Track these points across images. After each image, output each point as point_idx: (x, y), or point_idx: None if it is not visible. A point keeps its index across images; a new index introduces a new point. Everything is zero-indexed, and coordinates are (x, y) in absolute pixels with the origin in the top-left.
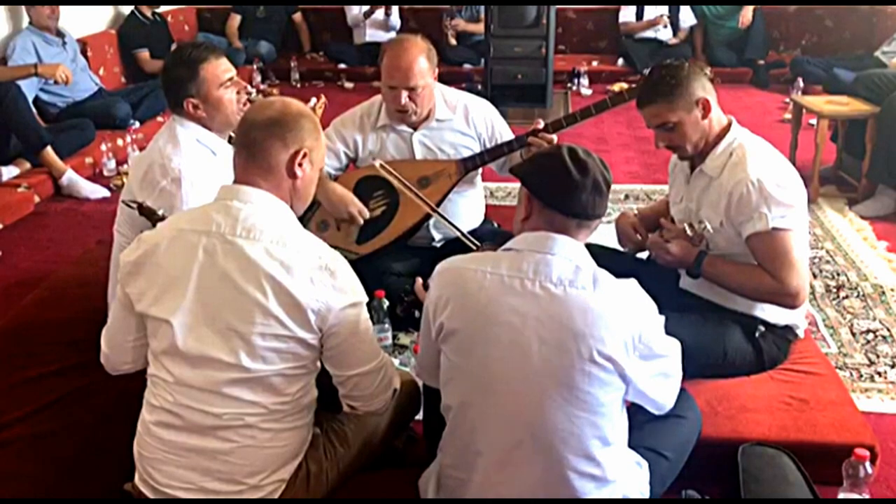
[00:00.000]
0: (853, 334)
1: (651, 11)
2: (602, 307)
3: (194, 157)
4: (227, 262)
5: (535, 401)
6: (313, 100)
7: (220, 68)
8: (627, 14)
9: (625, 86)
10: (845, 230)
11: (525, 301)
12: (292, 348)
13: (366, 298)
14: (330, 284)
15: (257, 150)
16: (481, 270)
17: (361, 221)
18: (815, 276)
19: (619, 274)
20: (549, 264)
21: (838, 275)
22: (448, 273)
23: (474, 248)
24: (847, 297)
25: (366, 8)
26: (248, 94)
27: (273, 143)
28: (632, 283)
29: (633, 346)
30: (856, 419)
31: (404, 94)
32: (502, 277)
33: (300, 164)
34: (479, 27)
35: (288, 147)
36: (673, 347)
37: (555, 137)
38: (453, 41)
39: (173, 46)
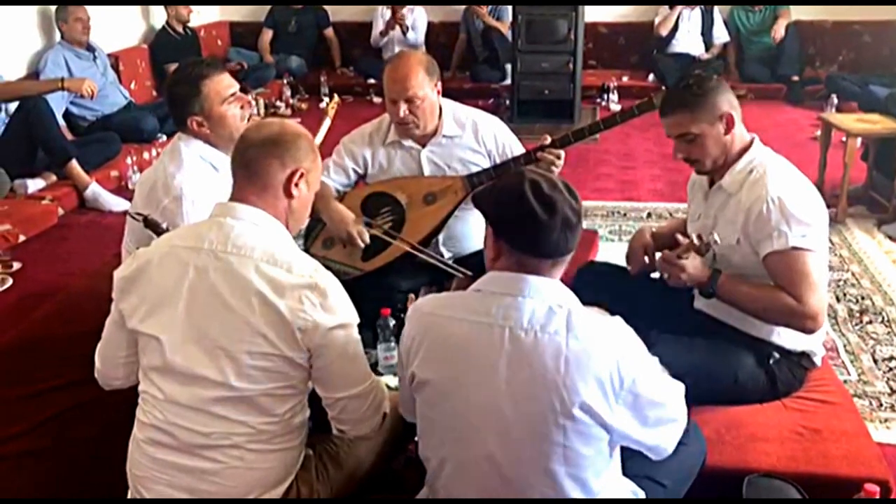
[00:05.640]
0: (875, 361)
1: (682, 28)
2: (576, 353)
3: (196, 175)
4: (217, 278)
5: (511, 456)
6: (326, 99)
7: (223, 84)
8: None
9: None
10: (873, 252)
11: (494, 350)
12: (280, 367)
13: (356, 320)
14: (319, 304)
15: (254, 169)
16: (449, 317)
17: (362, 245)
18: (838, 299)
19: (629, 292)
20: (520, 308)
21: (863, 298)
22: (419, 318)
23: (459, 276)
24: (871, 322)
25: (381, 27)
26: (252, 107)
27: (270, 161)
28: (614, 324)
29: (615, 393)
30: (870, 451)
31: (403, 106)
32: (471, 325)
33: (296, 185)
34: (501, 26)
35: (285, 166)
36: (672, 393)
37: (562, 153)
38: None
39: None
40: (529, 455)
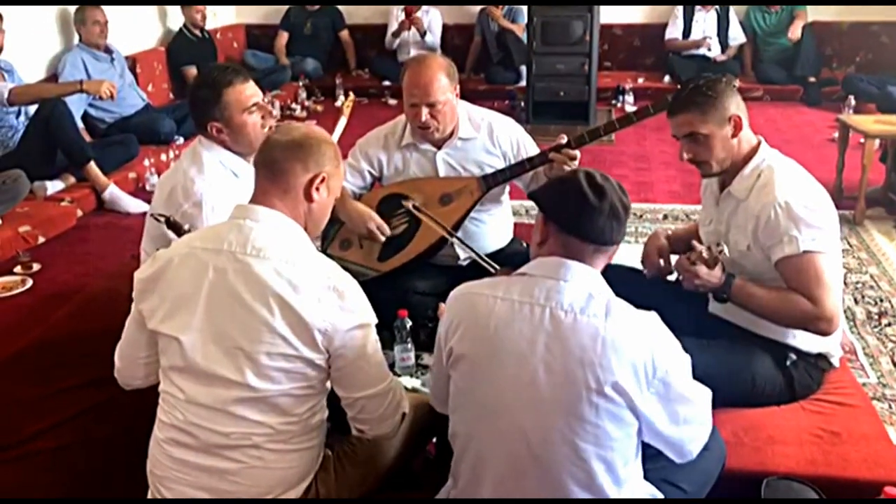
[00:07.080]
0: (894, 364)
1: (697, 29)
2: (612, 336)
3: (216, 180)
4: (237, 280)
5: (542, 431)
6: (341, 98)
7: (245, 93)
8: (674, 31)
9: None
10: (892, 254)
11: (533, 328)
12: (299, 368)
13: (374, 320)
14: (337, 305)
15: (277, 171)
16: (492, 296)
17: (382, 238)
18: (856, 301)
19: (645, 296)
20: (561, 291)
21: (881, 301)
22: (461, 299)
23: (492, 271)
24: (890, 324)
25: (395, 27)
26: (274, 117)
27: (293, 164)
28: (651, 316)
29: (647, 380)
30: (889, 454)
31: (425, 110)
32: (513, 303)
33: (317, 189)
34: (516, 28)
35: (308, 170)
36: (701, 394)
37: (577, 153)
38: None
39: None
40: (560, 430)
